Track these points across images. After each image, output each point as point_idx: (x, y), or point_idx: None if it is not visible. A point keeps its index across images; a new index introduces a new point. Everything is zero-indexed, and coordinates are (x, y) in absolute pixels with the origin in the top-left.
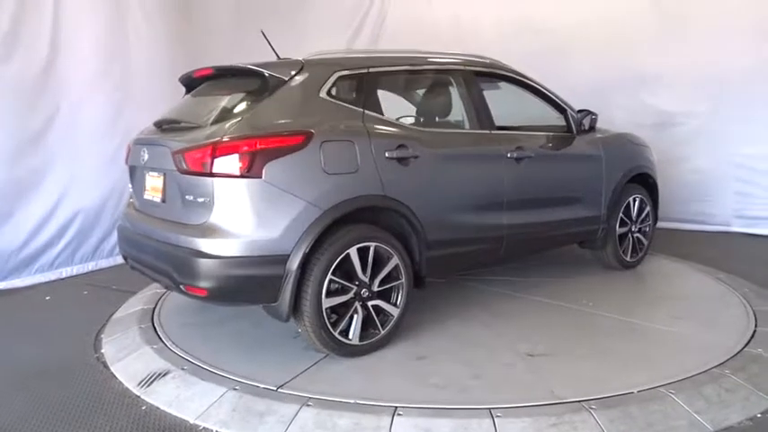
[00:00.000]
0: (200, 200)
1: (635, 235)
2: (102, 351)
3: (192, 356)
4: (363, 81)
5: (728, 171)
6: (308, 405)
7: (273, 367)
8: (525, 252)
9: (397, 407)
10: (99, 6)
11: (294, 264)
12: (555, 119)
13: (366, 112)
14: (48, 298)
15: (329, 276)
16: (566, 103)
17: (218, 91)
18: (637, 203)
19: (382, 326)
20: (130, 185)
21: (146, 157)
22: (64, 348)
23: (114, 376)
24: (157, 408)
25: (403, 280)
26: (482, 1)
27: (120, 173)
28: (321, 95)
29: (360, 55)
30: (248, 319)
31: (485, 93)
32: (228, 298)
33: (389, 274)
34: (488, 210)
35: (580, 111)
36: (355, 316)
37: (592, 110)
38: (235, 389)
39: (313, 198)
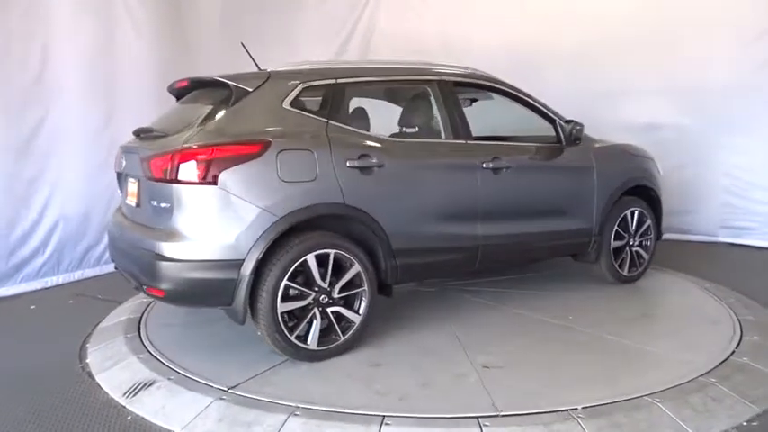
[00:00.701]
0: (163, 205)
1: (634, 249)
2: (88, 361)
3: (178, 366)
4: (330, 92)
5: (714, 182)
6: (296, 414)
7: (233, 368)
8: (506, 263)
9: (384, 416)
10: (88, 16)
11: (248, 269)
12: (545, 129)
13: (330, 122)
14: (32, 307)
15: (285, 282)
16: (555, 114)
17: (194, 101)
18: (636, 217)
19: (344, 332)
20: (119, 191)
21: (124, 163)
22: (48, 358)
23: (99, 386)
24: (143, 418)
25: (365, 287)
26: (470, 15)
27: (107, 181)
28: (284, 106)
29: (330, 66)
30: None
31: (477, 103)
32: (185, 300)
33: (352, 281)
34: (461, 220)
35: (567, 121)
36: (314, 322)
37: (577, 120)
38: (222, 398)
39: (268, 205)
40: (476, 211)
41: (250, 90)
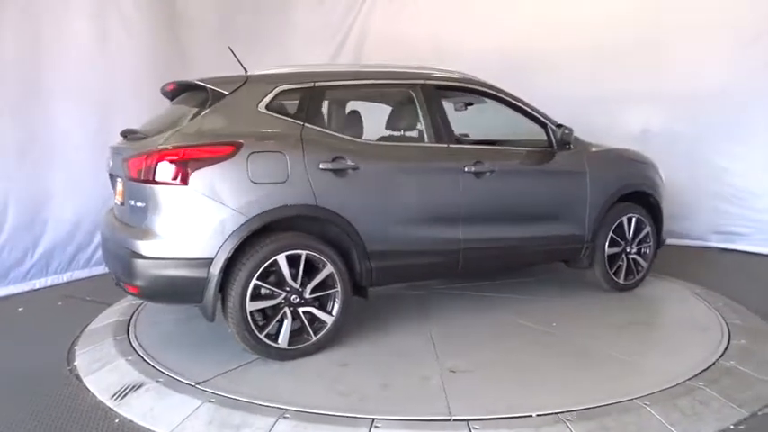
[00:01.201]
0: (139, 204)
1: (631, 256)
2: (76, 363)
3: (167, 369)
4: (308, 95)
5: (706, 187)
6: (285, 417)
7: (204, 365)
8: (492, 267)
9: (374, 419)
10: (82, 18)
11: (217, 267)
12: (538, 134)
13: (306, 125)
14: (20, 309)
15: (254, 281)
16: (547, 119)
17: (181, 103)
18: (633, 223)
19: (315, 333)
20: (113, 191)
21: (111, 164)
22: (36, 360)
23: (87, 389)
24: (131, 421)
25: (338, 289)
26: (464, 18)
27: (99, 184)
28: (260, 109)
29: (309, 70)
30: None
31: (472, 108)
32: (158, 296)
33: (325, 282)
34: (441, 223)
35: (558, 126)
36: (285, 321)
37: (566, 124)
38: (210, 401)
39: (237, 206)
40: (457, 215)
41: (226, 93)
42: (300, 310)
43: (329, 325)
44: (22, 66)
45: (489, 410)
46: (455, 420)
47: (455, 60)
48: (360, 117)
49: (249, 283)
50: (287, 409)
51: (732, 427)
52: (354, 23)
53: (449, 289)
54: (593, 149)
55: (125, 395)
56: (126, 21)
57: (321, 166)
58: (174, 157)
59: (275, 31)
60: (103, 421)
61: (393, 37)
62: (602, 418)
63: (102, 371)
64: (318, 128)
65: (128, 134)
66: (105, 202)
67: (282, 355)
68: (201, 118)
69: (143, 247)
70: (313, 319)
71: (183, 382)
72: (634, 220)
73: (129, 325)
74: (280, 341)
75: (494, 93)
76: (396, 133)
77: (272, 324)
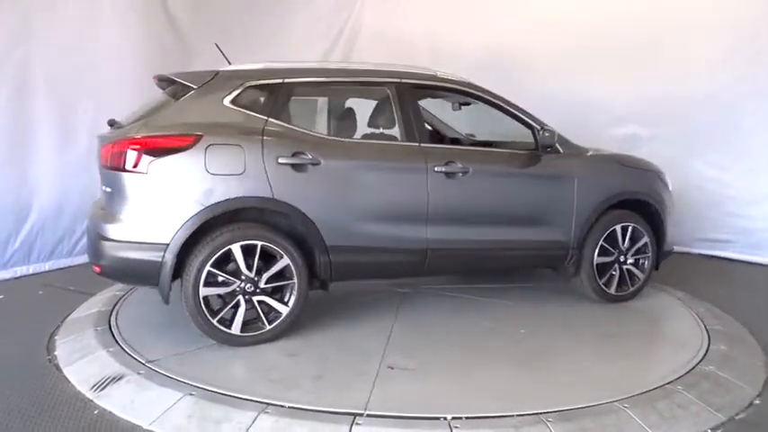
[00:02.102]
0: (108, 190)
1: (625, 267)
2: (56, 353)
3: (148, 361)
4: (275, 91)
5: (690, 194)
6: (266, 412)
7: (162, 346)
8: (464, 269)
9: (355, 415)
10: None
11: (171, 252)
12: (527, 136)
13: (270, 119)
14: (0, 297)
15: (208, 268)
16: (535, 120)
17: (164, 95)
18: (628, 232)
19: (270, 322)
20: None
21: (95, 151)
22: (15, 349)
23: (67, 379)
24: (110, 412)
25: (295, 280)
26: (458, 17)
27: (83, 172)
28: (225, 103)
29: (279, 67)
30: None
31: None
32: (118, 276)
33: (282, 273)
34: (406, 222)
35: (543, 128)
36: (240, 309)
37: (550, 127)
38: (191, 394)
39: (193, 195)
40: (424, 215)
41: (195, 87)
42: (255, 299)
43: (284, 315)
44: (9, 52)
45: (403, 409)
46: (368, 416)
47: (449, 57)
48: (349, 114)
49: (203, 270)
50: (268, 404)
51: (709, 431)
52: (348, 20)
53: (433, 289)
54: (589, 154)
55: (105, 386)
56: (116, 7)
57: (280, 161)
58: (136, 147)
59: (268, 27)
60: (82, 412)
61: (386, 34)
62: (581, 420)
63: (82, 361)
64: (283, 123)
65: (112, 124)
66: (89, 190)
67: (235, 342)
68: (169, 110)
69: (107, 229)
70: (270, 309)
71: (164, 374)
72: (630, 229)
73: (111, 316)
74: (233, 328)
75: (477, 93)
76: (368, 131)
77: (226, 311)
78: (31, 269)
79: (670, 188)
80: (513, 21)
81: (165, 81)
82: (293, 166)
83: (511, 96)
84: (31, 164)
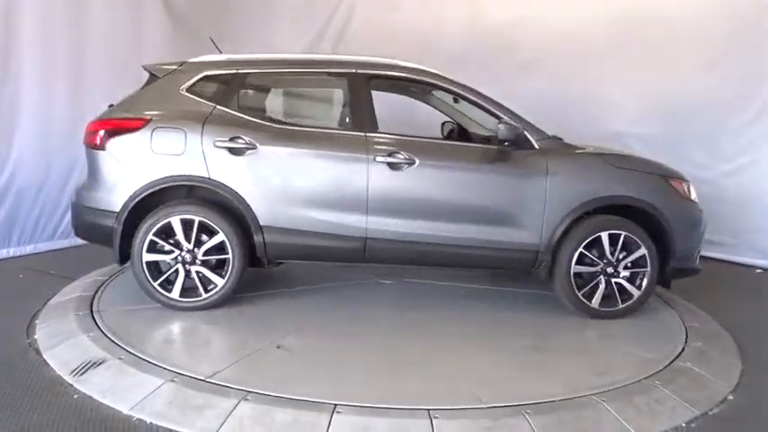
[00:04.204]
0: (87, 164)
1: (615, 280)
2: (36, 337)
3: (130, 346)
4: (229, 81)
5: None
6: (247, 399)
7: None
8: (407, 262)
9: (336, 404)
10: None
11: (120, 220)
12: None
13: (218, 106)
14: None
15: (150, 237)
16: (511, 115)
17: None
18: (620, 241)
19: (207, 292)
20: None
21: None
22: None
23: (47, 363)
24: (90, 397)
25: (230, 256)
26: (449, 7)
27: (69, 153)
28: (181, 91)
29: (240, 58)
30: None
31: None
32: (86, 237)
33: (222, 248)
34: (343, 210)
35: (504, 123)
36: (179, 276)
37: (514, 122)
38: (173, 381)
39: (138, 171)
40: (363, 204)
41: (159, 76)
42: (193, 269)
43: (218, 287)
44: None
45: (256, 386)
46: (211, 383)
47: (439, 47)
48: (305, 103)
49: (146, 238)
50: (249, 392)
51: (684, 425)
52: (338, 9)
53: (414, 284)
54: (577, 151)
55: (85, 371)
56: None
57: (217, 144)
58: (98, 128)
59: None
60: (62, 397)
61: (376, 22)
62: (559, 413)
63: (62, 346)
64: (229, 110)
65: (111, 107)
66: (71, 173)
67: (173, 306)
68: (134, 96)
69: (78, 196)
70: (208, 280)
71: (145, 359)
72: (622, 237)
73: (92, 301)
74: (172, 293)
75: (440, 83)
76: (323, 119)
77: (167, 276)
78: (12, 252)
79: (692, 196)
80: (501, 15)
81: (146, 70)
82: (230, 149)
83: (502, 91)
84: (12, 144)
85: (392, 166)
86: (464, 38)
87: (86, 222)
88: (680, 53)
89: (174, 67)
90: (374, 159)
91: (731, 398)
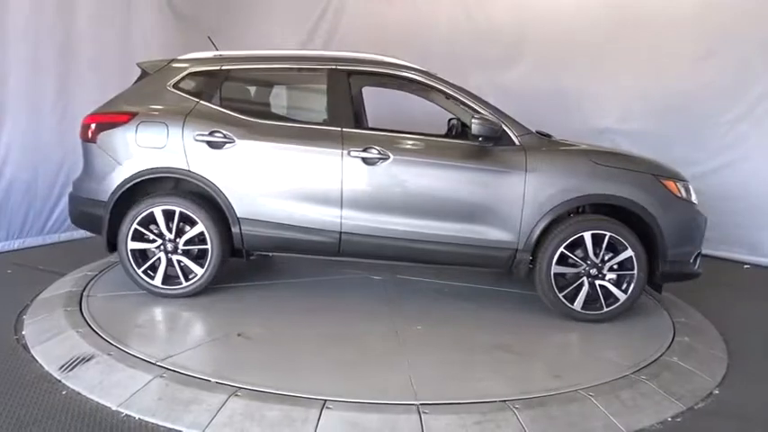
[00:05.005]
0: (82, 156)
1: (599, 282)
2: (24, 333)
3: (119, 342)
4: (213, 77)
5: None
6: (237, 395)
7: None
8: (382, 257)
9: (325, 401)
10: None
11: (107, 209)
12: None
13: (201, 102)
14: None
15: (134, 226)
16: (491, 110)
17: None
18: (604, 242)
19: (188, 280)
20: None
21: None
22: None
23: (35, 359)
24: (78, 393)
25: (208, 246)
26: (440, 6)
27: (59, 148)
28: (168, 87)
29: (226, 54)
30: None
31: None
32: (78, 224)
33: (203, 238)
34: (318, 204)
35: (481, 119)
36: (161, 264)
37: (491, 118)
38: (162, 376)
39: (124, 163)
40: (338, 198)
41: (150, 73)
42: (174, 258)
43: (198, 276)
44: None
45: (205, 372)
46: (158, 365)
47: (428, 44)
48: (288, 98)
49: (130, 227)
50: (239, 388)
51: (670, 419)
52: (329, 5)
53: (408, 280)
54: (561, 148)
55: (74, 367)
56: None
57: (197, 138)
58: (89, 121)
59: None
60: (50, 393)
61: (370, 16)
62: (547, 407)
63: (50, 342)
64: (212, 105)
65: None
66: (61, 168)
67: (155, 292)
68: (126, 92)
69: (74, 187)
70: (189, 269)
71: (134, 355)
72: (607, 237)
73: (81, 296)
74: (155, 280)
75: (424, 80)
76: (296, 114)
77: (150, 264)
78: (0, 247)
79: (690, 197)
80: (491, 8)
81: (139, 67)
82: (209, 143)
83: (488, 85)
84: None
85: (366, 161)
86: (454, 33)
87: (79, 211)
88: (669, 49)
89: (164, 63)
90: (348, 154)
91: (717, 392)
